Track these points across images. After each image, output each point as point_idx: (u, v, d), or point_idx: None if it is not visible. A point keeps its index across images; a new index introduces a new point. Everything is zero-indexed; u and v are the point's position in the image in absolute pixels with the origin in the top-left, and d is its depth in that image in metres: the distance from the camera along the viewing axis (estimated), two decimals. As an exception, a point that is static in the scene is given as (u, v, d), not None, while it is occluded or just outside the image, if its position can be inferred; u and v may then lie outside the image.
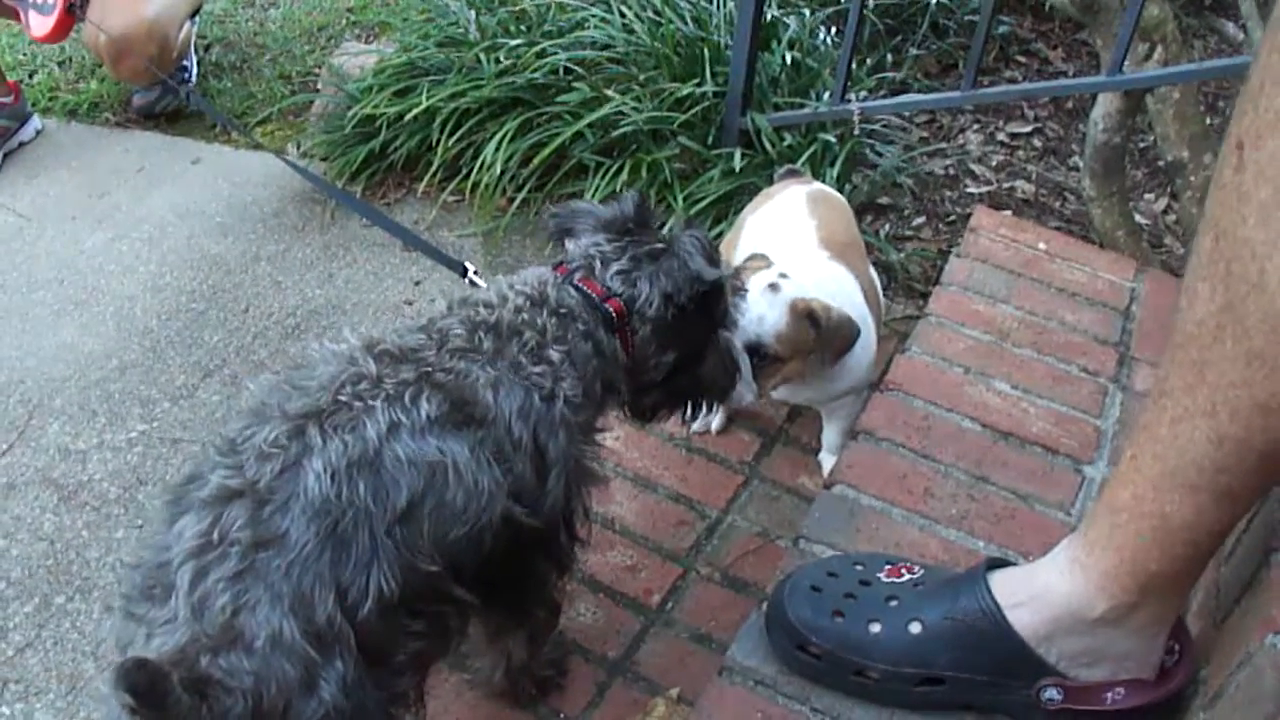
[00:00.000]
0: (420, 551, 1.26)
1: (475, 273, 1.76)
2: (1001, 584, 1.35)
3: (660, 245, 1.58)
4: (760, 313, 1.88)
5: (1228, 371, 1.07)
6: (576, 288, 1.53)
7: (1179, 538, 1.19)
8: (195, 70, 3.79)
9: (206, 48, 4.01)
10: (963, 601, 1.35)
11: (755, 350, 1.87)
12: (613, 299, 1.53)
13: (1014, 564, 1.42)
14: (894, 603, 1.41)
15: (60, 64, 4.00)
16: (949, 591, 1.38)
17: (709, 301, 1.57)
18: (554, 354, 1.44)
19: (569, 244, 1.62)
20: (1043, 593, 1.31)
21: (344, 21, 4.14)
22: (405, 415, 1.28)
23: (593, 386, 1.51)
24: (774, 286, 1.90)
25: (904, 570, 1.46)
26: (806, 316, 1.88)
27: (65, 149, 3.60)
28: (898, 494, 1.77)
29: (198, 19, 3.73)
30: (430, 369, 1.34)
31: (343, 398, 1.29)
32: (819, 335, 1.90)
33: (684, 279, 1.53)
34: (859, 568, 1.49)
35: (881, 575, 1.46)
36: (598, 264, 1.56)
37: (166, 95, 3.64)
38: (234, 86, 3.82)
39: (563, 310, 1.49)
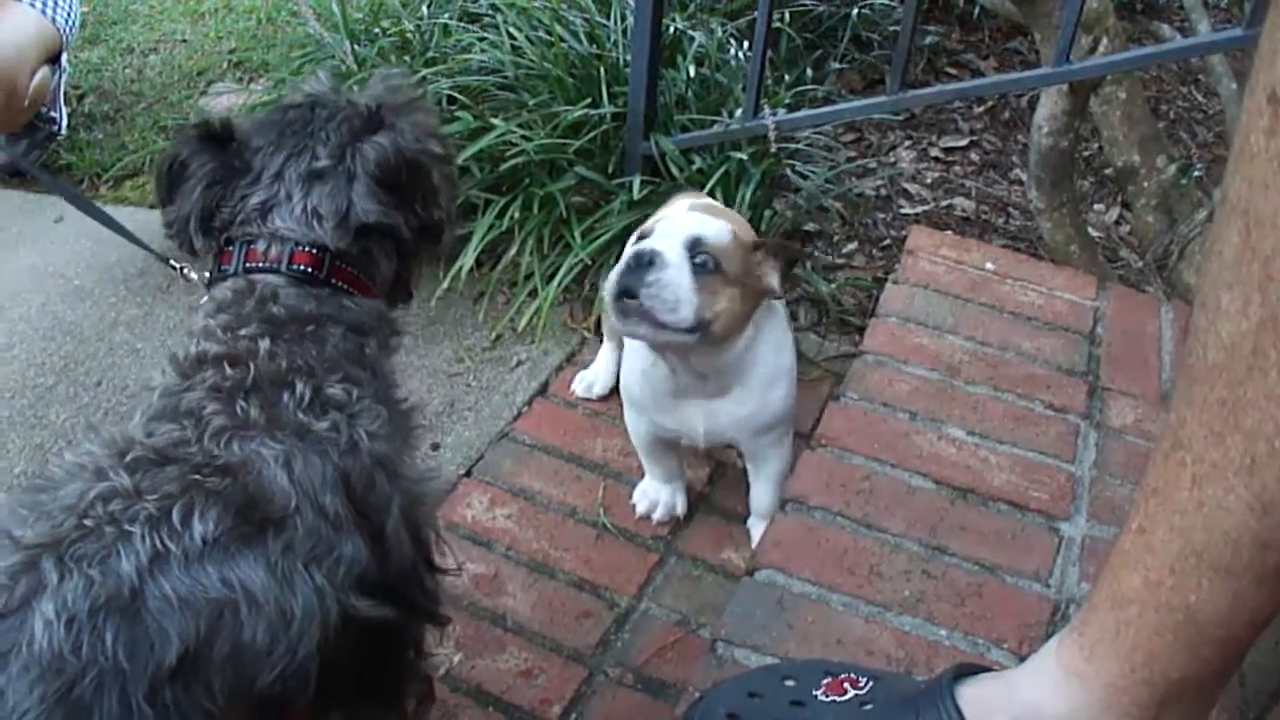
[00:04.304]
0: (211, 715, 0.96)
1: (185, 269, 1.48)
2: (974, 701, 1.05)
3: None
4: (702, 220, 1.62)
5: (1272, 412, 0.78)
6: (277, 271, 1.21)
7: (1209, 635, 0.90)
8: (65, 122, 3.52)
9: (80, 98, 3.76)
10: (923, 730, 1.05)
11: (694, 247, 1.56)
12: (299, 252, 1.20)
13: (987, 669, 1.12)
14: (835, 732, 1.10)
15: (-77, 124, 3.71)
16: (905, 714, 1.06)
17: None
18: (337, 392, 1.15)
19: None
20: (1029, 714, 1.01)
21: (225, 64, 3.89)
22: (174, 542, 0.97)
23: (385, 384, 1.24)
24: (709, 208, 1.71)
25: (847, 684, 1.15)
26: (749, 243, 1.63)
27: (-82, 215, 3.33)
28: (837, 576, 1.48)
29: (65, 67, 3.44)
30: (199, 474, 1.03)
31: (90, 521, 0.97)
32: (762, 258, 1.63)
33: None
34: (790, 683, 1.19)
35: (819, 693, 1.16)
36: (281, 196, 1.23)
37: (33, 150, 3.36)
38: (106, 138, 3.55)
39: (302, 319, 1.18)
